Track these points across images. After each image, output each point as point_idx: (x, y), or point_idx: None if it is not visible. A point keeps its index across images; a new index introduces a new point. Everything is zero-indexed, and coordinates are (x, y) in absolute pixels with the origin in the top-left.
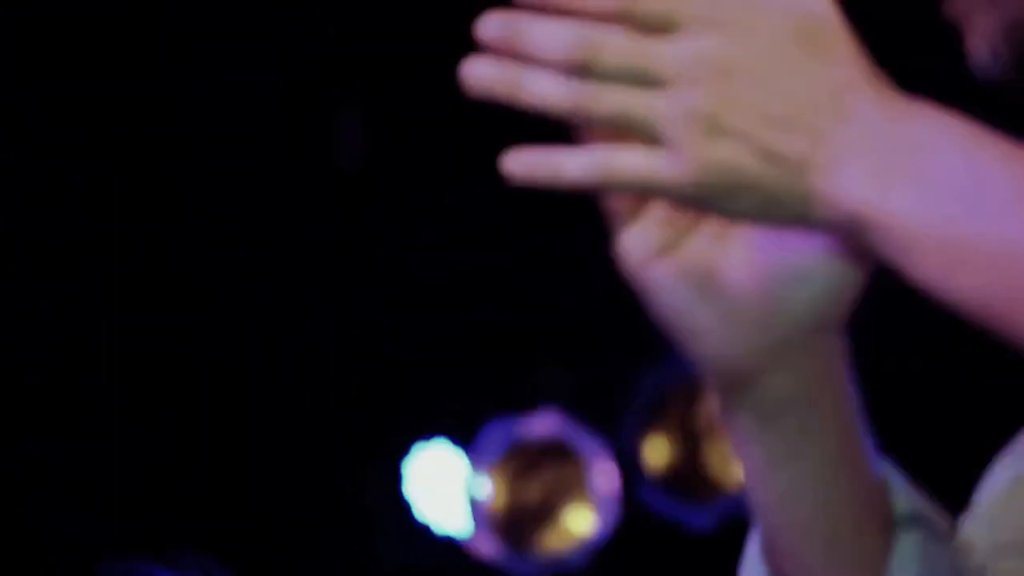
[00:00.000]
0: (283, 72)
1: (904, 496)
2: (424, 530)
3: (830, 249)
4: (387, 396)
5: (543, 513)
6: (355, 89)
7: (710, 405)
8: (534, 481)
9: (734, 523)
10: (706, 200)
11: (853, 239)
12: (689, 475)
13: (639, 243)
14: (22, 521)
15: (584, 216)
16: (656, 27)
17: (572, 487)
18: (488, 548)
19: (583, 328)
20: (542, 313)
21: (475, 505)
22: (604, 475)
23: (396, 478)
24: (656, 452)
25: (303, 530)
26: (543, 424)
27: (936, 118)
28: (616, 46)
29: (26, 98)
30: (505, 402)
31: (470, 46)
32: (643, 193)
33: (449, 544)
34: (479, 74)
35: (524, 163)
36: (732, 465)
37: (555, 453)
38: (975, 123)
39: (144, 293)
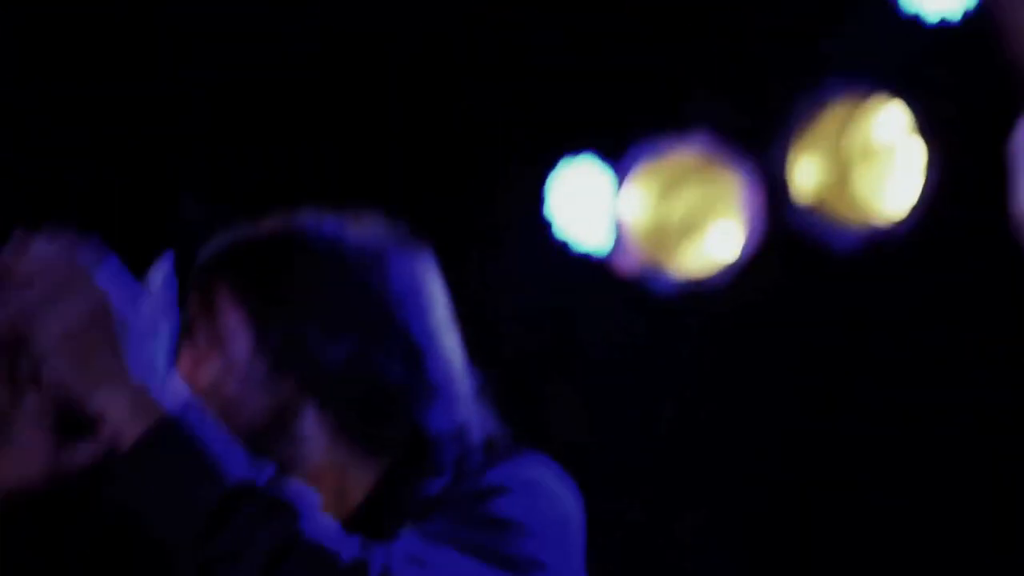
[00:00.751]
0: None
1: None
2: (563, 245)
3: None
4: (536, 109)
5: (686, 231)
6: None
7: (863, 129)
8: (679, 199)
9: (879, 249)
10: None
11: None
12: (837, 199)
13: None
14: None
15: None
16: None
17: (717, 206)
18: (628, 264)
19: (736, 50)
20: (697, 36)
21: (617, 221)
22: (751, 195)
23: (539, 193)
24: (805, 174)
25: (446, 242)
26: (692, 143)
27: None
28: None
29: None
30: (656, 121)
31: None
32: None
33: (588, 259)
34: None
35: None
36: (881, 190)
37: (703, 172)
38: None
39: None
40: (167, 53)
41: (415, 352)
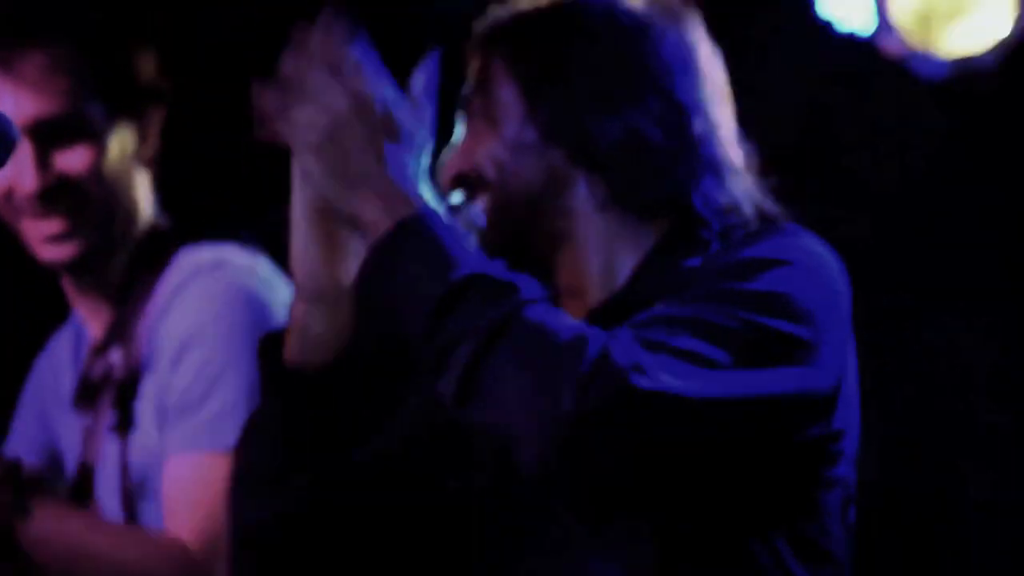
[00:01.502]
0: None
1: None
2: (827, 26)
3: None
4: None
5: (955, 9)
6: None
7: None
8: None
9: None
10: None
11: None
12: None
13: None
14: None
15: None
16: None
17: None
18: (895, 45)
19: None
20: None
21: (882, 1)
22: None
23: None
24: None
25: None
26: None
27: None
28: None
29: None
30: None
31: None
32: None
33: (853, 40)
34: None
35: None
36: None
37: None
38: None
39: None
40: None
41: (685, 122)
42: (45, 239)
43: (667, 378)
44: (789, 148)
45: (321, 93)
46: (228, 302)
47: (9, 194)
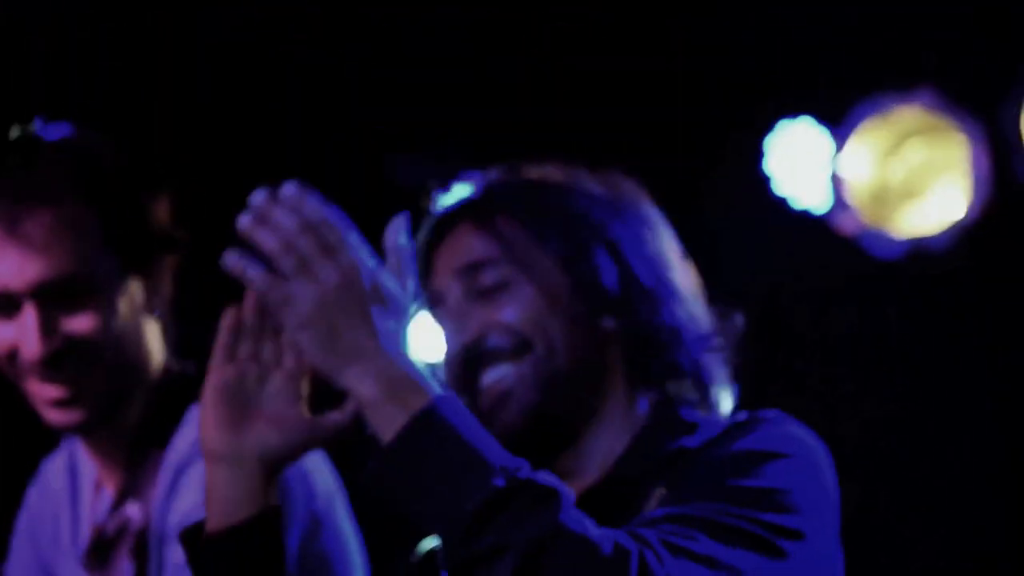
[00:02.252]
0: None
1: None
2: (782, 203)
3: None
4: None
5: (910, 191)
6: None
7: None
8: (903, 158)
9: None
10: None
11: None
12: None
13: None
14: None
15: None
16: None
17: (943, 165)
18: (850, 224)
19: (959, 8)
20: None
21: (838, 180)
22: (978, 153)
23: (757, 153)
24: None
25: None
26: (916, 101)
27: None
28: None
29: None
30: (877, 79)
31: None
32: None
33: (807, 218)
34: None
35: None
36: None
37: (927, 130)
38: None
39: None
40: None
41: (679, 297)
42: (50, 403)
43: None
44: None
45: (308, 267)
46: None
47: (12, 356)
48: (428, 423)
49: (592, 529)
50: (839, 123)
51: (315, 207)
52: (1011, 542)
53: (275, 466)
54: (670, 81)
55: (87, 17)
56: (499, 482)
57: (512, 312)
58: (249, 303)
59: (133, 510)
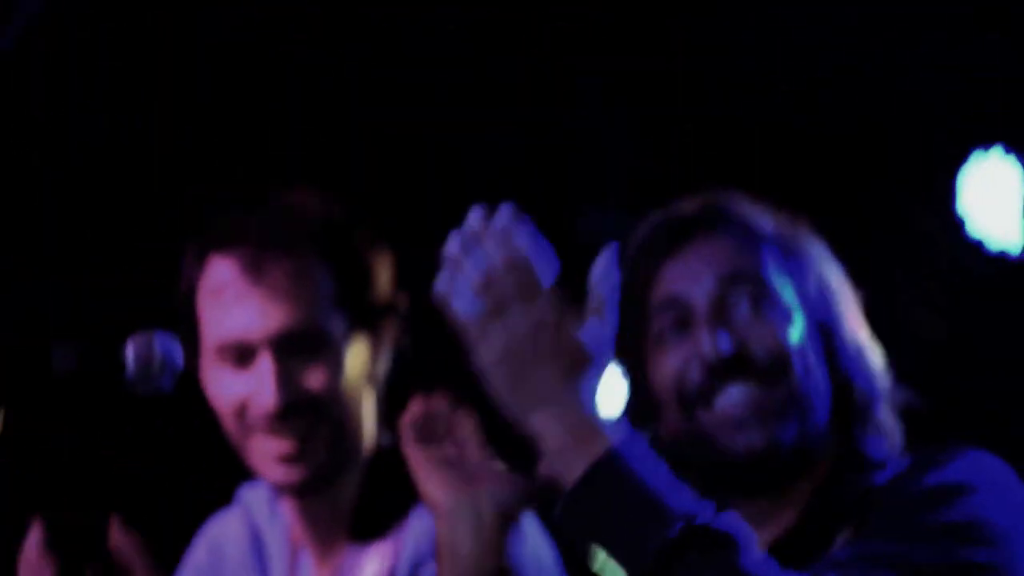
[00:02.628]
0: None
1: None
2: (978, 246)
3: None
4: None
5: None
6: None
7: None
8: None
9: None
10: None
11: None
12: None
13: None
14: None
15: None
16: None
17: None
18: None
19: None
20: None
21: None
22: None
23: (950, 192)
24: None
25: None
26: None
27: None
28: None
29: None
30: None
31: None
32: None
33: (1004, 259)
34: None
35: None
36: None
37: None
38: None
39: None
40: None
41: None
42: (277, 459)
43: None
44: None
45: (504, 308)
46: None
47: (242, 411)
48: (608, 470)
49: (775, 573)
50: None
51: (524, 242)
52: None
53: (510, 520)
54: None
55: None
56: (674, 531)
57: (778, 330)
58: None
59: None
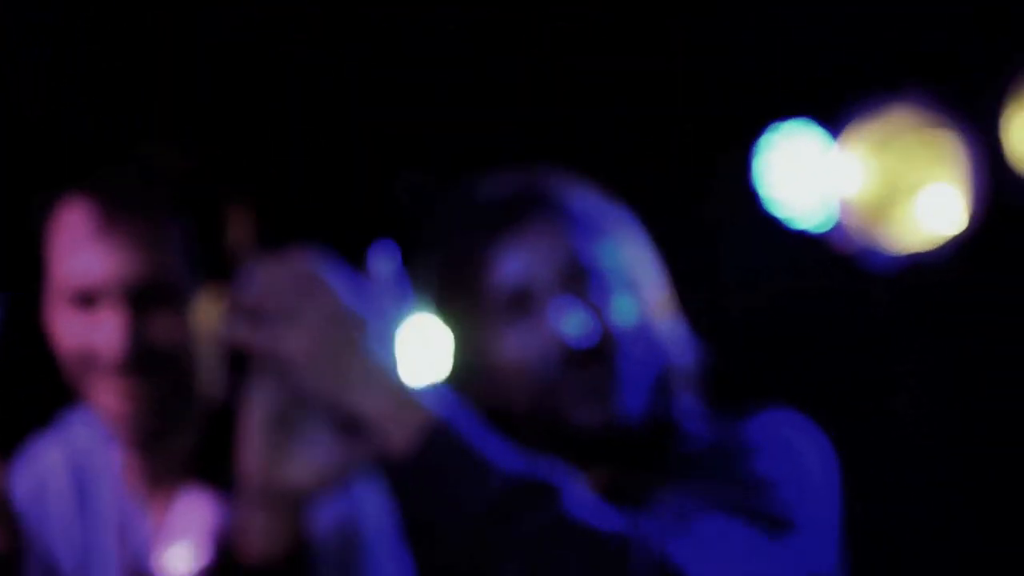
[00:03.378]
0: None
1: None
2: (774, 221)
3: None
4: (754, 73)
5: (907, 205)
6: None
7: None
8: (895, 169)
9: None
10: None
11: None
12: None
13: None
14: None
15: None
16: None
17: (935, 176)
18: (844, 241)
19: (950, 13)
20: None
21: (832, 194)
22: (971, 163)
23: (747, 165)
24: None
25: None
26: (908, 106)
27: None
28: None
29: None
30: (867, 82)
31: None
32: None
33: (802, 236)
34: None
35: None
36: None
37: (918, 138)
38: None
39: None
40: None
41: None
42: (118, 406)
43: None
44: (738, 345)
45: (295, 316)
46: None
47: (86, 357)
48: (437, 438)
49: (596, 515)
50: (835, 127)
51: (275, 270)
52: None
53: (311, 501)
54: (670, 81)
55: (88, 17)
56: (496, 485)
57: (608, 310)
58: None
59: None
